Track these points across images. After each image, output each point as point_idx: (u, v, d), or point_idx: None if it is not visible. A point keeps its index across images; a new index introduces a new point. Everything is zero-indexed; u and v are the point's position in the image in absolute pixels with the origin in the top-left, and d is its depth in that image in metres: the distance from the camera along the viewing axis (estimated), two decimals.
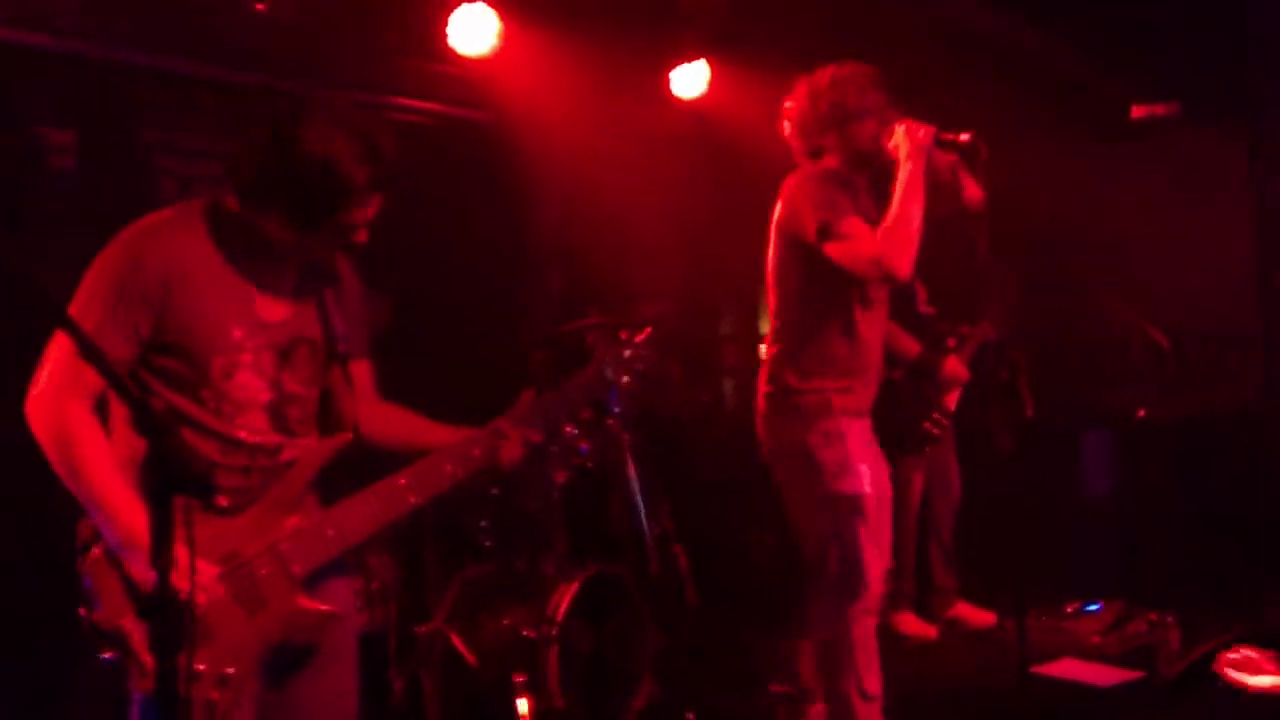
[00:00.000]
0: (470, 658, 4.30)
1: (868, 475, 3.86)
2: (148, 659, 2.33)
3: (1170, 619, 5.29)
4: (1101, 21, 6.45)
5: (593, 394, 2.99)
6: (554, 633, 4.22)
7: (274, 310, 2.61)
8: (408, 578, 4.52)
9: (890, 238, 3.66)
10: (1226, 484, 6.11)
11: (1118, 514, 6.44)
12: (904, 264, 3.67)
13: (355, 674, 2.80)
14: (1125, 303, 5.78)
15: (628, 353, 3.03)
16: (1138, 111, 6.89)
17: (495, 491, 4.83)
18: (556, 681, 4.19)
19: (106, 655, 2.36)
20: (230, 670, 2.41)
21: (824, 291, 3.85)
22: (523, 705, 4.15)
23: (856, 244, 3.69)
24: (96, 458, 2.41)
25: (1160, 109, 6.83)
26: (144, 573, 2.35)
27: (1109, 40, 6.54)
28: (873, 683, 3.87)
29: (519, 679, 4.19)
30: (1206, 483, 6.05)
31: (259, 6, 5.18)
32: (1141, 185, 6.91)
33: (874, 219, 3.80)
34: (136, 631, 2.34)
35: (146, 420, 1.89)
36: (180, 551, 1.89)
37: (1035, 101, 6.50)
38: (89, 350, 1.98)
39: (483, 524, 4.82)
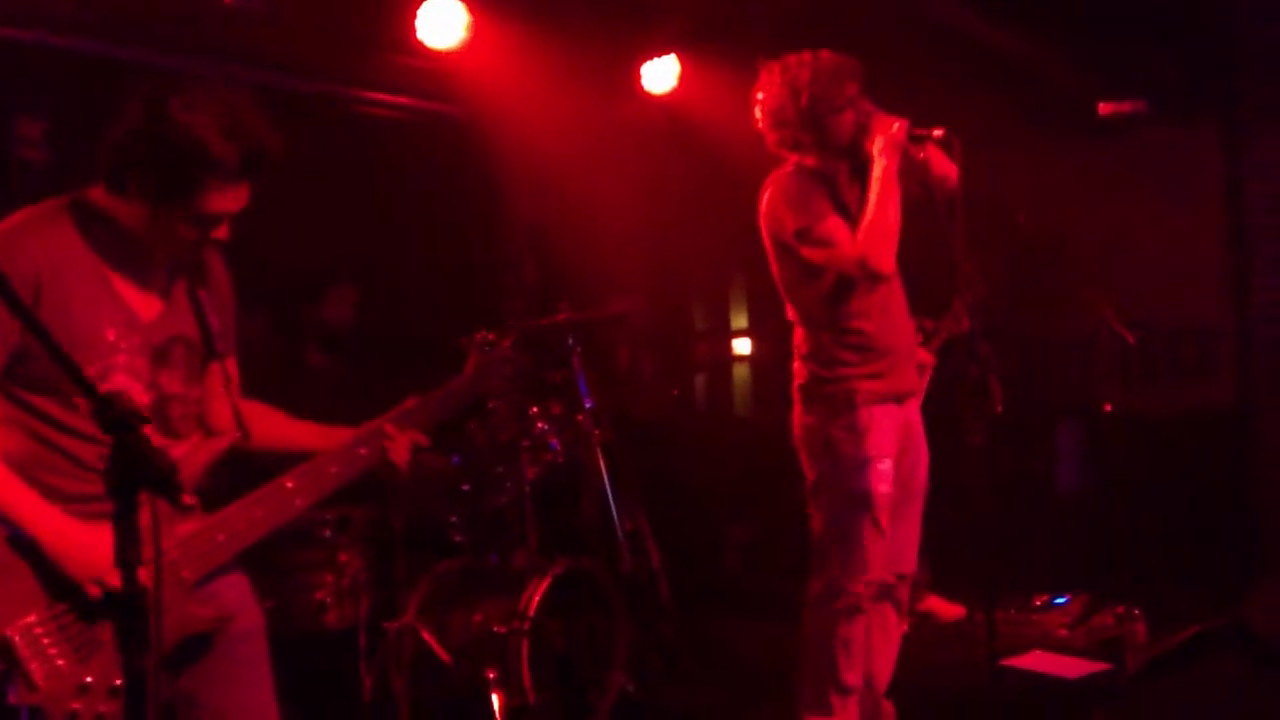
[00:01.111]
0: (442, 654, 4.28)
1: (888, 473, 3.84)
2: (35, 669, 2.29)
3: (1137, 612, 5.32)
4: (1070, 18, 6.48)
5: (467, 398, 2.99)
6: (526, 628, 4.21)
7: (146, 309, 2.54)
8: (378, 573, 4.50)
9: (870, 237, 3.69)
10: (1196, 478, 6.16)
11: (1087, 508, 6.47)
12: (886, 261, 3.72)
13: (271, 687, 2.75)
14: (1095, 298, 5.79)
15: (495, 357, 3.04)
16: (1105, 109, 6.92)
17: (465, 487, 4.83)
18: (528, 677, 4.18)
19: None
20: (119, 682, 2.34)
21: (826, 290, 3.86)
22: (495, 701, 4.14)
23: (836, 249, 3.73)
24: None
25: (1127, 106, 6.86)
26: (87, 573, 2.33)
27: (1077, 37, 6.57)
28: (852, 676, 3.88)
29: (491, 675, 4.18)
30: (1176, 477, 6.09)
31: (228, 0, 5.15)
32: (1111, 182, 6.94)
33: (854, 209, 3.81)
34: (23, 642, 2.30)
35: (110, 418, 1.86)
36: (146, 548, 1.86)
37: (1004, 97, 6.51)
38: (54, 352, 1.94)
39: (453, 519, 4.81)
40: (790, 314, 4.02)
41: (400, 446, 2.76)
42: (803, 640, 3.98)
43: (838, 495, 3.85)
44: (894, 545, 3.95)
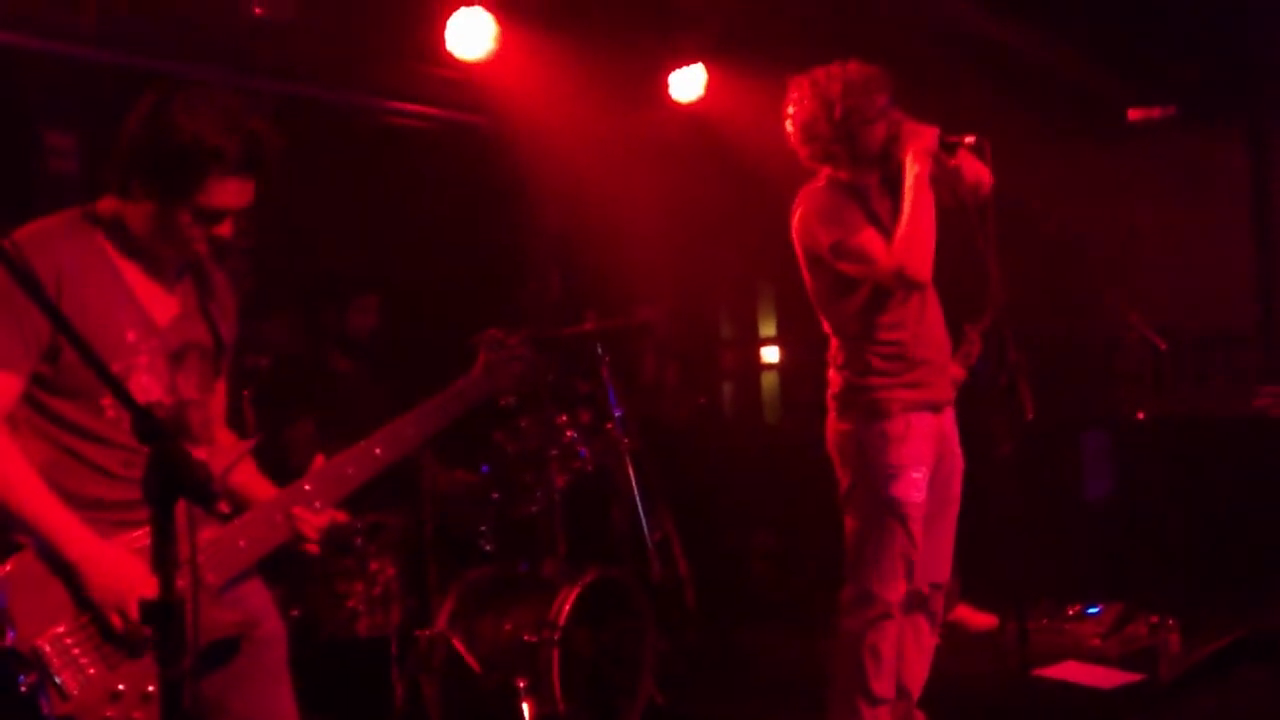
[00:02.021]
0: (472, 662, 4.29)
1: (922, 482, 3.82)
2: (68, 679, 2.28)
3: (1171, 622, 5.28)
4: (1099, 24, 6.46)
5: (477, 396, 2.96)
6: (556, 637, 4.21)
7: (162, 314, 2.55)
8: (409, 582, 4.51)
9: (906, 247, 3.68)
10: (1227, 486, 6.11)
11: (1118, 516, 6.43)
12: (923, 270, 3.72)
13: (291, 694, 2.75)
14: (1124, 304, 5.76)
15: (505, 355, 3.03)
16: (1134, 114, 6.90)
17: (495, 496, 4.83)
18: (558, 686, 4.17)
19: (24, 681, 2.27)
20: (152, 688, 2.34)
21: (859, 302, 3.85)
22: (525, 710, 4.14)
23: (873, 262, 3.72)
24: (29, 475, 2.35)
25: (1157, 112, 6.84)
26: (112, 600, 2.33)
27: (1107, 43, 6.55)
28: (882, 687, 3.85)
29: (521, 683, 4.18)
30: (1207, 485, 6.04)
31: (257, 10, 5.17)
32: (1140, 187, 6.92)
33: (888, 218, 3.81)
34: (54, 651, 2.29)
35: (148, 426, 1.86)
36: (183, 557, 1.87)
37: (1034, 104, 6.50)
38: (87, 356, 1.96)
39: (483, 528, 4.82)
40: (825, 326, 4.02)
41: (311, 524, 2.63)
42: (833, 648, 3.96)
43: (871, 503, 3.83)
44: (928, 555, 3.93)
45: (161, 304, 2.57)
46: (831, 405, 3.97)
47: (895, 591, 3.83)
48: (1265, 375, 6.53)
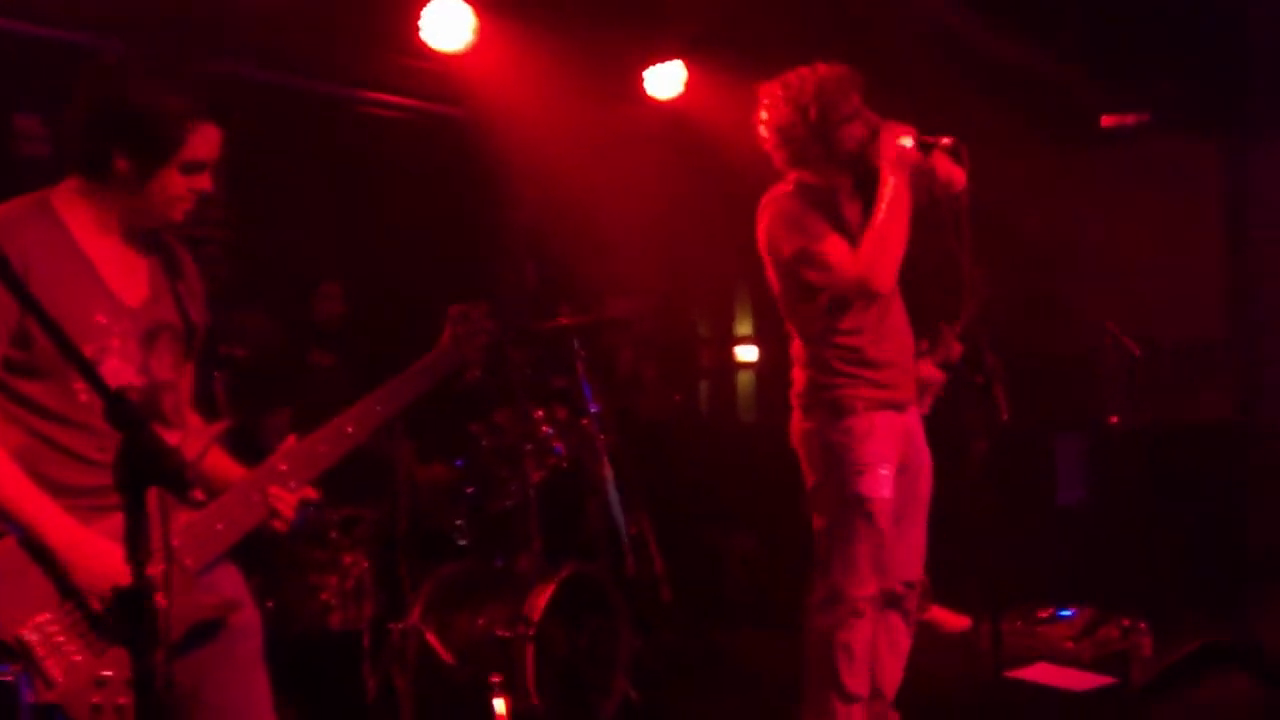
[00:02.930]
0: (446, 656, 4.26)
1: (888, 479, 3.81)
2: (52, 666, 2.27)
3: (1143, 625, 5.29)
4: (1075, 29, 6.48)
5: (444, 370, 2.95)
6: (530, 632, 4.18)
7: (132, 295, 2.54)
8: (383, 575, 4.48)
9: (871, 256, 3.66)
10: (1201, 491, 6.14)
11: (1092, 519, 6.46)
12: (885, 280, 3.70)
13: (266, 685, 2.74)
14: (1100, 309, 5.78)
15: (470, 328, 3.02)
16: (1108, 121, 6.92)
17: (470, 490, 4.80)
18: (532, 681, 4.15)
19: (8, 670, 2.26)
20: None
21: (823, 304, 3.83)
22: (499, 705, 4.11)
23: (836, 270, 3.70)
24: (4, 462, 2.34)
25: (1130, 118, 6.86)
26: (95, 585, 2.31)
27: (1082, 48, 6.57)
28: (856, 684, 3.84)
29: (494, 679, 4.15)
30: (1181, 490, 6.07)
31: None
32: (1114, 192, 6.94)
33: (856, 223, 3.79)
34: (38, 640, 2.28)
35: (120, 412, 1.83)
36: (155, 545, 1.84)
37: (1008, 107, 6.51)
38: (59, 340, 1.92)
39: (458, 522, 4.79)
40: (788, 326, 4.01)
41: (287, 503, 2.63)
42: (806, 646, 3.95)
43: (837, 500, 3.82)
44: (900, 554, 3.93)
45: (131, 286, 2.55)
46: (796, 404, 3.96)
47: (865, 588, 3.82)
48: (1239, 380, 6.57)
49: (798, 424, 3.96)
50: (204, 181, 2.54)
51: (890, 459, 3.83)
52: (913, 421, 4.01)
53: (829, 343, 3.84)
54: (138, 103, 2.42)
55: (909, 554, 4.00)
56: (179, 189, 2.50)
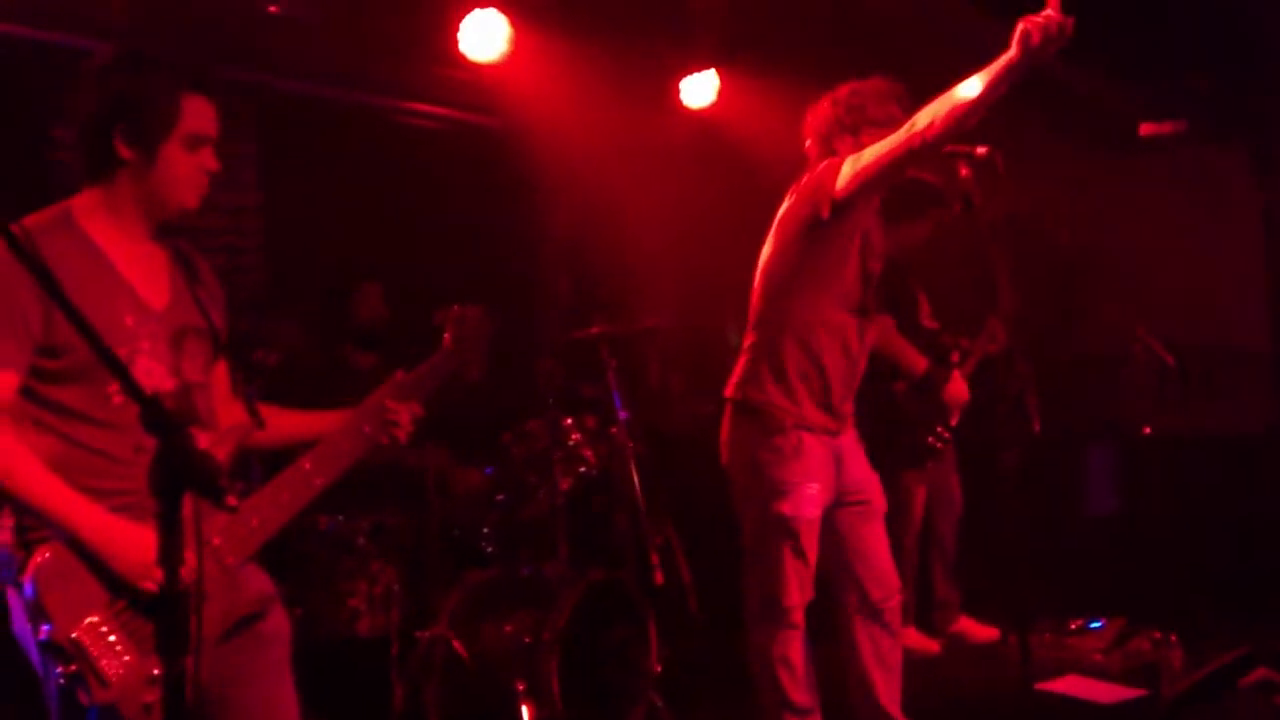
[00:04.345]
0: (472, 664, 4.28)
1: (815, 497, 3.76)
2: (106, 666, 2.31)
3: (1174, 638, 5.26)
4: (1111, 39, 6.45)
5: (448, 372, 3.05)
6: (556, 640, 4.20)
7: (156, 299, 2.59)
8: (410, 583, 4.51)
9: (941, 102, 3.37)
10: (1233, 502, 6.09)
11: (1123, 530, 6.42)
12: (935, 126, 3.35)
13: (293, 691, 2.78)
14: (1132, 318, 5.75)
15: (470, 330, 3.10)
16: (1146, 129, 6.89)
17: (499, 498, 4.83)
18: (558, 689, 4.16)
19: (62, 672, 2.30)
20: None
21: (800, 303, 3.80)
22: (525, 713, 4.13)
23: (896, 126, 3.49)
24: (35, 466, 2.37)
25: (1168, 126, 6.83)
26: (139, 571, 2.35)
27: (1119, 58, 6.54)
28: (802, 697, 3.80)
29: (520, 686, 4.18)
30: (1212, 501, 6.03)
31: (272, 9, 5.19)
32: (1151, 201, 6.91)
33: (877, 244, 3.79)
34: (91, 641, 2.32)
35: (157, 418, 1.86)
36: (189, 549, 1.86)
37: (1045, 117, 6.49)
38: (95, 343, 1.95)
39: (486, 530, 4.82)
40: (749, 330, 3.95)
41: (403, 418, 2.86)
42: (750, 663, 3.91)
43: (761, 517, 3.78)
44: (871, 566, 3.87)
45: (154, 290, 2.60)
46: (727, 408, 3.92)
47: (793, 599, 3.77)
48: (1274, 391, 6.52)
49: (726, 429, 3.92)
50: (209, 159, 2.60)
51: (817, 478, 3.77)
52: (846, 441, 3.91)
53: (776, 354, 3.78)
54: (125, 87, 2.50)
55: (880, 566, 3.90)
56: (186, 166, 2.56)
